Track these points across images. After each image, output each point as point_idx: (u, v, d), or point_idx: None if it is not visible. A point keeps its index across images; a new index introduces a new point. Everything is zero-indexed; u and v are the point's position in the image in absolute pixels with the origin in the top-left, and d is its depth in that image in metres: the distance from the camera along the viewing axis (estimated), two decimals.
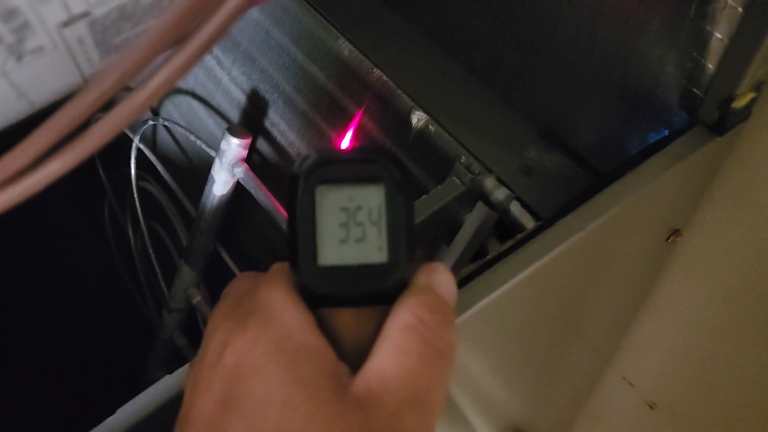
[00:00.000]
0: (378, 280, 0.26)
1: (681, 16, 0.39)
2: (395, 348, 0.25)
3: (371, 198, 0.26)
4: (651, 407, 0.74)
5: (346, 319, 0.27)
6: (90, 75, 0.28)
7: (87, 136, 0.19)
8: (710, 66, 0.39)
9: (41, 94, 0.27)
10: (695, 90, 0.41)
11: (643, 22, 0.41)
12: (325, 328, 0.26)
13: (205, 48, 0.20)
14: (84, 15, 0.24)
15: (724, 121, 0.40)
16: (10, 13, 0.22)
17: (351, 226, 0.26)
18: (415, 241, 0.27)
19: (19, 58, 0.24)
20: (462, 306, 0.36)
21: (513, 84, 0.55)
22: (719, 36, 0.37)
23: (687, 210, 0.51)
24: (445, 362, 0.25)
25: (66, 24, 0.24)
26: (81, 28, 0.24)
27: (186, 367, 0.39)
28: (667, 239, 0.53)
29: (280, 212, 0.58)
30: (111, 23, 0.26)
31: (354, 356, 0.26)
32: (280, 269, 0.28)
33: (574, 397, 0.82)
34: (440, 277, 0.27)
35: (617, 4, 0.42)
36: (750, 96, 0.40)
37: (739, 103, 0.40)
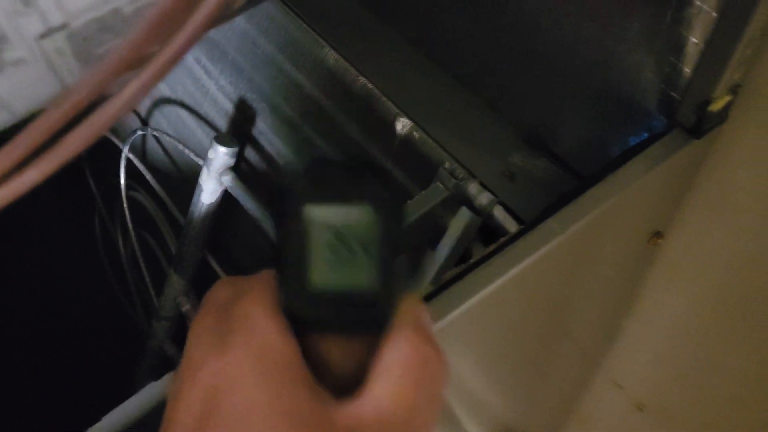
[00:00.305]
0: (367, 308, 0.25)
1: (658, 22, 0.40)
2: (395, 383, 0.24)
3: (363, 220, 0.25)
4: (640, 409, 0.75)
5: (331, 344, 0.26)
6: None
7: (61, 145, 0.20)
8: (687, 70, 0.40)
9: (23, 105, 0.28)
10: (673, 94, 0.41)
11: (622, 29, 0.42)
12: (309, 352, 0.26)
13: (179, 56, 0.20)
14: (62, 27, 0.24)
15: (701, 124, 0.41)
16: None
17: (341, 250, 0.25)
18: (404, 267, 0.26)
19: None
20: (444, 309, 0.37)
21: (498, 90, 0.56)
22: (695, 40, 0.38)
23: (668, 212, 0.51)
24: (439, 404, 0.25)
25: (44, 36, 0.24)
26: (59, 39, 0.25)
27: (171, 374, 0.39)
28: (650, 241, 0.53)
29: (269, 220, 0.58)
30: (91, 34, 0.26)
31: (338, 382, 0.25)
32: (265, 281, 0.26)
33: (564, 399, 0.82)
34: (427, 317, 0.26)
35: (596, 12, 0.43)
36: (726, 99, 0.40)
37: (715, 106, 0.40)
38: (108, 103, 0.21)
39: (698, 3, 0.36)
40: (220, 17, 0.33)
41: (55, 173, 0.26)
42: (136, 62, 0.20)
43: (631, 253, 0.54)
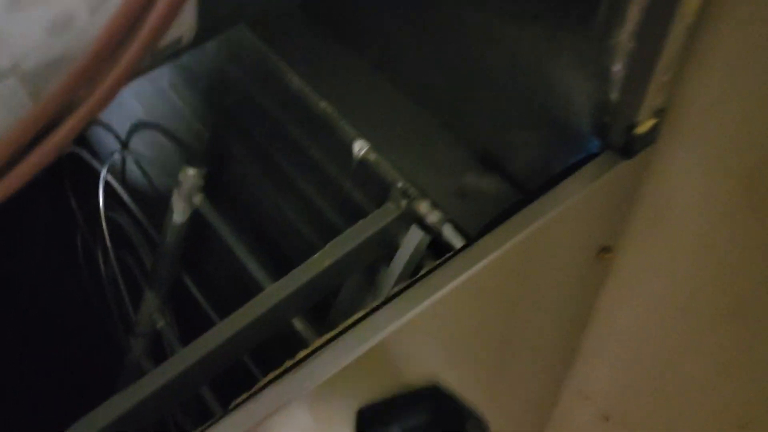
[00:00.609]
0: None
1: (586, 51, 0.42)
2: None
3: None
4: (606, 419, 0.77)
5: None
6: None
7: (12, 172, 0.22)
8: (613, 96, 0.42)
9: None
10: (604, 118, 0.44)
11: (556, 59, 0.45)
12: None
13: (111, 96, 0.23)
14: (12, 69, 0.27)
15: (630, 146, 0.44)
16: None
17: None
18: None
19: None
20: (384, 323, 0.39)
21: (454, 113, 0.59)
22: (618, 69, 0.41)
23: (614, 227, 0.54)
24: None
25: None
26: (12, 81, 0.27)
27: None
28: (599, 256, 0.56)
29: (239, 239, 0.61)
30: (43, 76, 0.29)
31: None
32: None
33: (536, 411, 0.84)
34: None
35: (533, 44, 0.46)
36: (651, 122, 0.43)
37: (641, 129, 0.43)
38: (47, 139, 0.23)
39: (618, 34, 0.39)
40: (163, 57, 0.35)
41: (29, 194, 0.28)
42: (72, 100, 0.23)
43: (582, 267, 0.56)
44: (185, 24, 0.34)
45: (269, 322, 0.48)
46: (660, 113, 0.43)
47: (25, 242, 0.96)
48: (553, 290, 0.56)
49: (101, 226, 0.75)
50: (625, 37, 0.39)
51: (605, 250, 0.56)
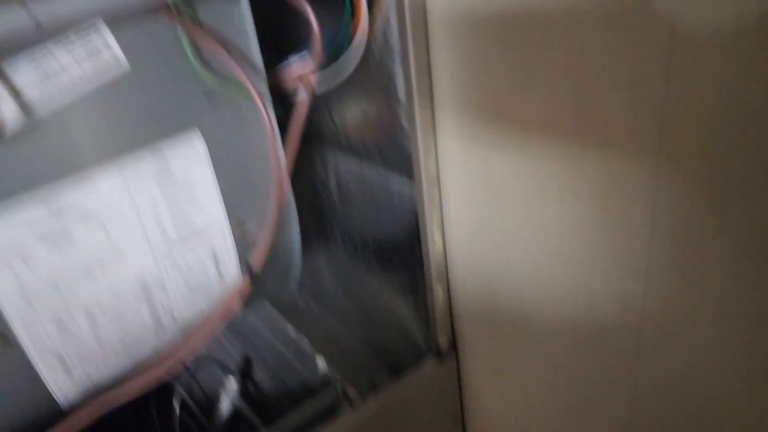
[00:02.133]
0: None
1: (411, 307, 0.93)
2: None
3: None
4: None
5: None
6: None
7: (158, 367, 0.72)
8: (426, 331, 0.92)
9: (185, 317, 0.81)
10: (426, 339, 0.93)
11: (402, 311, 0.95)
12: None
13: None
14: (174, 320, 0.78)
15: (440, 353, 0.92)
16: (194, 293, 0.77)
17: None
18: None
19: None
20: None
21: (359, 335, 1.08)
22: (422, 318, 0.91)
23: (455, 400, 0.99)
24: None
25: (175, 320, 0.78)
26: (174, 327, 0.78)
27: None
28: (453, 424, 1.00)
29: (260, 421, 1.07)
30: (187, 319, 0.80)
31: None
32: None
33: None
34: None
35: (382, 294, 0.97)
36: (446, 343, 0.92)
37: (443, 345, 0.92)
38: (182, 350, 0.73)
39: (421, 299, 0.90)
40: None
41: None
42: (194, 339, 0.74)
43: (443, 428, 1.00)
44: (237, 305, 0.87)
45: None
46: (451, 334, 0.92)
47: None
48: None
49: (173, 424, 1.21)
50: (423, 305, 0.90)
51: (454, 416, 1.00)
